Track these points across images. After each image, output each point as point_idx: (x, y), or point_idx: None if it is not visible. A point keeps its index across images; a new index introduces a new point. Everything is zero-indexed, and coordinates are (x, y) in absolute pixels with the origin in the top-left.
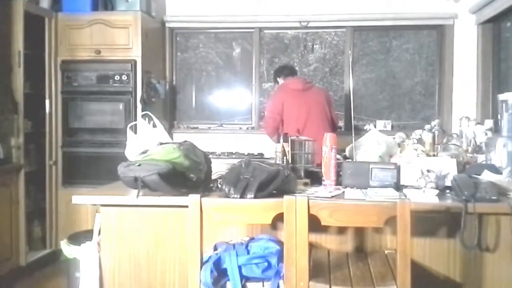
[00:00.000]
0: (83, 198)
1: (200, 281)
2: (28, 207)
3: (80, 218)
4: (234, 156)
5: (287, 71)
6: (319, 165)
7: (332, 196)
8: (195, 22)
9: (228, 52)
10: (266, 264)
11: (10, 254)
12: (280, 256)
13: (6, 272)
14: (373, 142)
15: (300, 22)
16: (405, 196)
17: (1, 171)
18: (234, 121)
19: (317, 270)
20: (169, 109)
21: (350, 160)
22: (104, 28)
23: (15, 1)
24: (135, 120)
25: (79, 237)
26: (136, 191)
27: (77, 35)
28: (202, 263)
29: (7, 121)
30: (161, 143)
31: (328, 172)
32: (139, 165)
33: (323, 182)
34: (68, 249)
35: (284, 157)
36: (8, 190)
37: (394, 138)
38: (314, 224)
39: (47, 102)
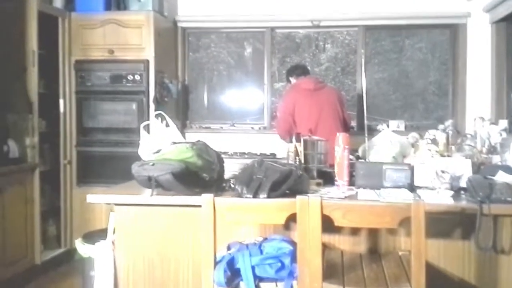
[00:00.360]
0: (97, 197)
1: (214, 280)
2: (43, 206)
3: (95, 217)
4: (246, 156)
5: (299, 70)
6: (332, 166)
7: (345, 197)
8: (207, 22)
9: (239, 52)
10: (279, 264)
11: (25, 253)
12: (293, 257)
13: (22, 270)
14: (386, 142)
15: (312, 21)
16: (419, 197)
17: (16, 170)
18: (246, 121)
19: (330, 271)
20: (182, 108)
21: (363, 160)
22: (117, 28)
23: (28, 0)
24: (148, 119)
25: (94, 236)
26: (150, 190)
27: (90, 35)
28: (216, 263)
29: (22, 121)
30: (174, 143)
31: (341, 173)
32: (153, 164)
33: (335, 183)
34: (82, 248)
35: (297, 157)
36: (23, 189)
37: (407, 138)
38: (327, 225)
39: (61, 101)
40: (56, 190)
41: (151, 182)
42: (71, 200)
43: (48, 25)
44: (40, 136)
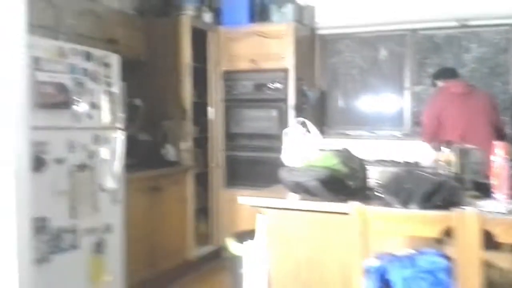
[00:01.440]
0: (248, 199)
1: None
2: (196, 205)
3: (241, 217)
4: (388, 164)
5: (447, 73)
6: (487, 176)
7: (508, 211)
8: (344, 28)
9: (375, 56)
10: (433, 279)
11: (179, 248)
12: (449, 273)
13: (176, 265)
14: None
15: (458, 20)
16: None
17: (173, 172)
18: (385, 127)
19: None
20: (319, 115)
21: None
22: (259, 39)
23: (183, 18)
24: (289, 126)
25: (243, 235)
26: (297, 195)
27: (236, 46)
28: (365, 272)
29: (177, 127)
30: (320, 150)
31: (501, 185)
32: (300, 170)
33: (493, 195)
34: (232, 247)
35: (449, 167)
36: (179, 189)
37: None
38: (485, 240)
39: (210, 109)
40: (207, 191)
41: (299, 188)
42: (220, 200)
43: (198, 38)
44: (193, 141)
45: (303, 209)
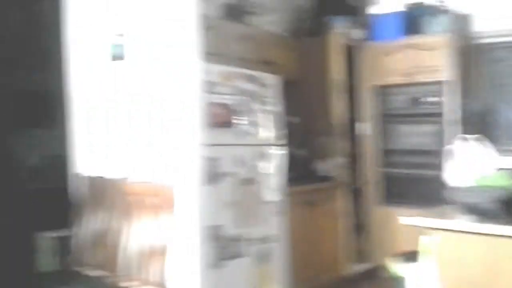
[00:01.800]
0: (414, 220)
1: None
2: (350, 221)
3: (396, 236)
4: None
5: None
6: None
7: None
8: (506, 36)
9: None
10: None
11: (333, 264)
12: None
13: (330, 280)
14: None
15: None
16: None
17: (326, 187)
18: None
19: None
20: (482, 129)
21: None
22: (413, 51)
23: (333, 35)
24: (450, 142)
25: (404, 256)
26: (468, 217)
27: (389, 60)
28: None
29: (328, 143)
30: (495, 168)
31: None
32: (475, 191)
33: None
34: (394, 267)
35: None
36: (332, 204)
37: None
38: None
39: (361, 124)
40: (361, 207)
41: (473, 209)
42: (377, 218)
43: (349, 54)
44: (346, 156)
45: (479, 232)
